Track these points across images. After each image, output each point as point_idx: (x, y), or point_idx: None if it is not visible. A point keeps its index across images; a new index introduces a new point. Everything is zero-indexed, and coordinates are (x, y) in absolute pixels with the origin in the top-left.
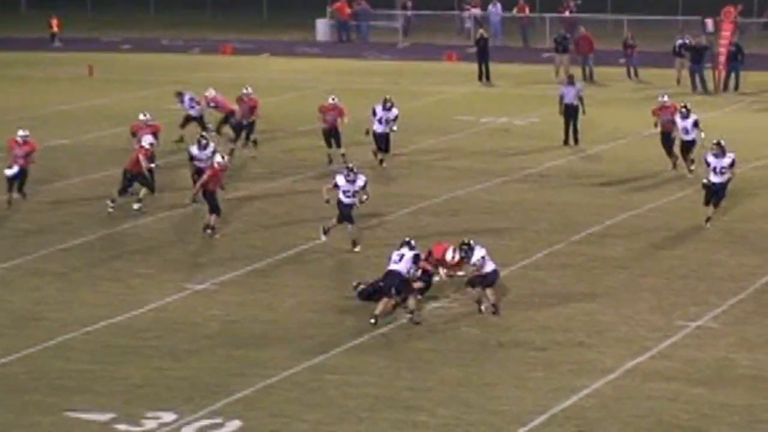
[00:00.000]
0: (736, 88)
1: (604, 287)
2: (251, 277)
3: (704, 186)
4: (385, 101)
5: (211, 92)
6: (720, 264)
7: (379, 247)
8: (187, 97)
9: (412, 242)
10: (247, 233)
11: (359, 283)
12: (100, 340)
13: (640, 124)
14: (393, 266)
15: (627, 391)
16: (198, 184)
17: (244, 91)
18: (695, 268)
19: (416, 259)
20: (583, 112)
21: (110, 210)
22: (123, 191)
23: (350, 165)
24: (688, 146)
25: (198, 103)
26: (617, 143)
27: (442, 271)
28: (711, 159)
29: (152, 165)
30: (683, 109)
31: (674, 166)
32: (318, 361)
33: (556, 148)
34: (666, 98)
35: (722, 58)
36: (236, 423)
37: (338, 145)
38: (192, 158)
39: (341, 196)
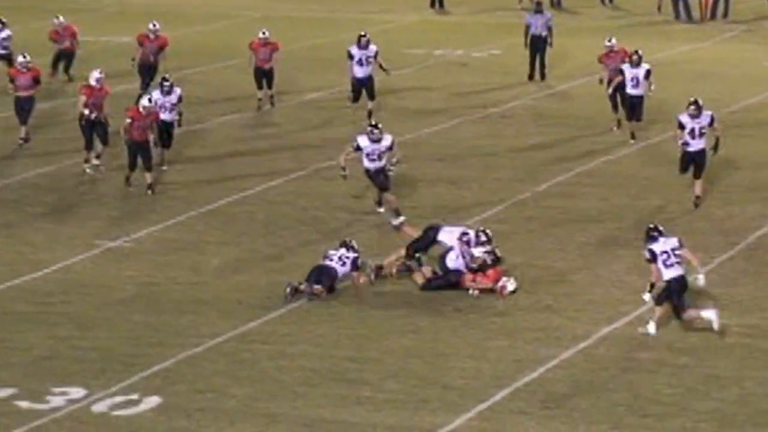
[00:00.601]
0: (725, 15)
1: (575, 244)
2: (171, 232)
3: (681, 154)
4: (359, 38)
5: (60, 21)
6: (707, 216)
7: (317, 199)
8: (4, 32)
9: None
10: (166, 183)
11: (294, 288)
12: None
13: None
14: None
15: (601, 361)
16: (122, 129)
17: (151, 26)
18: (678, 221)
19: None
20: (550, 44)
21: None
22: (90, 144)
23: (375, 121)
24: (633, 102)
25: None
26: (589, 79)
27: (474, 290)
28: (686, 119)
29: (94, 115)
30: (635, 56)
31: (619, 125)
32: (248, 328)
33: (519, 85)
34: (614, 41)
35: None
36: (155, 399)
37: (269, 86)
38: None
39: (365, 162)
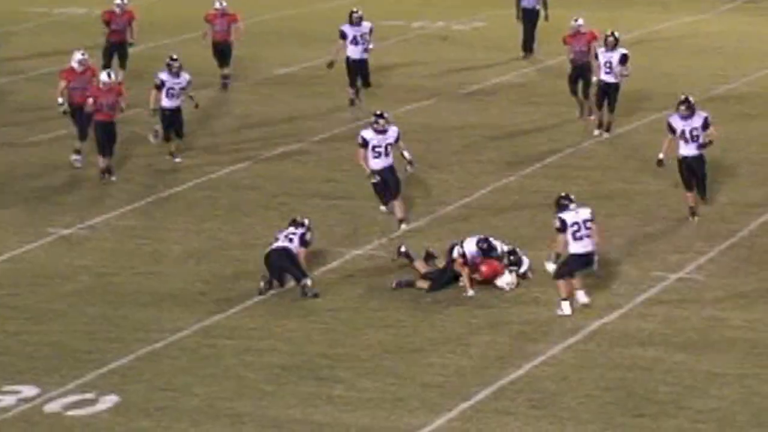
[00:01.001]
0: None
1: None
2: (130, 219)
3: (678, 164)
4: (351, 14)
5: None
6: (707, 201)
7: (286, 184)
8: None
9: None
10: (124, 166)
11: (269, 282)
12: None
13: (612, 28)
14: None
15: (592, 357)
16: (88, 107)
17: (117, 0)
18: (676, 206)
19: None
20: (546, 17)
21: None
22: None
23: (380, 111)
24: (607, 90)
25: None
26: None
27: (469, 286)
28: (676, 122)
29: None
30: (610, 38)
31: (582, 113)
32: (212, 322)
33: (506, 60)
34: (581, 22)
35: None
36: (112, 398)
37: (226, 63)
38: (159, 88)
39: (371, 160)
